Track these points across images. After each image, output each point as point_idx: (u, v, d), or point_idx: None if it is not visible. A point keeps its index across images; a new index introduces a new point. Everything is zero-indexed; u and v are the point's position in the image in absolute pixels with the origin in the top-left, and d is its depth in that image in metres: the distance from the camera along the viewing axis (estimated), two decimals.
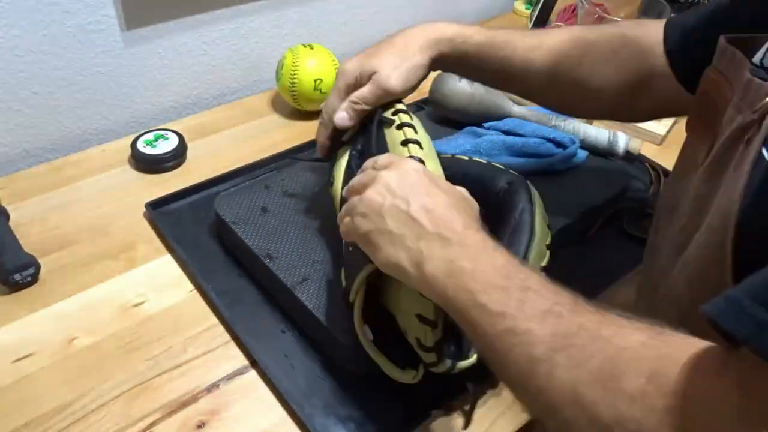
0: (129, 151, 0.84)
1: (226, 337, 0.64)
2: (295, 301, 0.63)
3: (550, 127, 0.89)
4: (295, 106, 0.94)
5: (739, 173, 0.41)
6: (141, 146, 0.84)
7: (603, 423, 0.35)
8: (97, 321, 0.65)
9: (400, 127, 0.61)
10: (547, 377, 0.38)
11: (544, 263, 0.60)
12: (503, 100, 0.91)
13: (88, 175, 0.82)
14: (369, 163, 0.55)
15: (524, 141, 0.85)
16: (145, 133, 0.86)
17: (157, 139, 0.85)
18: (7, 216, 0.72)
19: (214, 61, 0.97)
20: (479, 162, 0.70)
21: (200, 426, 0.57)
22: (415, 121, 0.63)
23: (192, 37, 0.92)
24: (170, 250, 0.73)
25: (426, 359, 0.53)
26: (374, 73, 0.63)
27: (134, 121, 0.93)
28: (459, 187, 0.54)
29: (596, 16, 1.02)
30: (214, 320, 0.66)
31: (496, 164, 0.69)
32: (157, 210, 0.77)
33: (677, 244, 0.50)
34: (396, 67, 0.63)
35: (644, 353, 0.35)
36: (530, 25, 1.22)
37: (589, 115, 0.80)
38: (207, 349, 0.63)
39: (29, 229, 0.73)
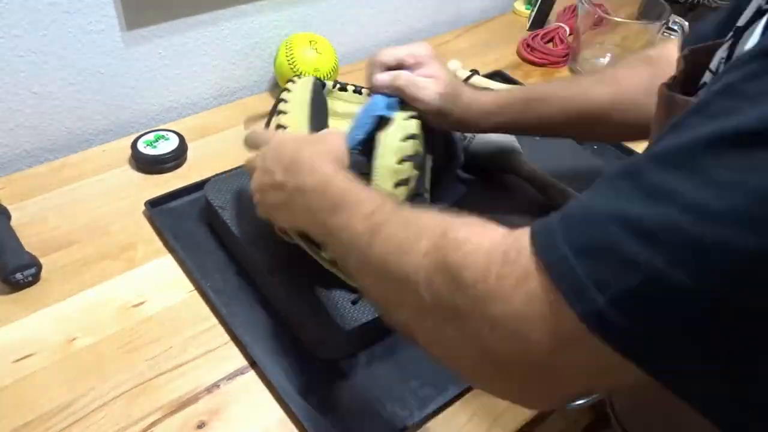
0: (129, 151, 0.84)
1: (226, 337, 0.64)
2: (272, 285, 0.64)
3: None
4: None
5: None
6: (141, 146, 0.84)
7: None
8: (97, 321, 0.65)
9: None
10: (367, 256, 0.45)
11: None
12: None
13: (88, 176, 0.82)
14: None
15: None
16: (146, 133, 0.86)
17: (157, 139, 0.85)
18: (8, 216, 0.73)
19: (214, 61, 0.97)
20: None
21: (200, 426, 0.57)
22: (296, 87, 0.69)
23: (192, 37, 0.92)
24: (170, 249, 0.73)
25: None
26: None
27: (134, 121, 0.93)
28: (324, 131, 0.63)
29: (596, 16, 1.03)
30: (214, 320, 0.66)
31: None
32: (157, 208, 0.77)
33: None
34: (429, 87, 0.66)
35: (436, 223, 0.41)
36: (528, 25, 1.22)
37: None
38: (207, 349, 0.63)
39: (29, 230, 0.73)
